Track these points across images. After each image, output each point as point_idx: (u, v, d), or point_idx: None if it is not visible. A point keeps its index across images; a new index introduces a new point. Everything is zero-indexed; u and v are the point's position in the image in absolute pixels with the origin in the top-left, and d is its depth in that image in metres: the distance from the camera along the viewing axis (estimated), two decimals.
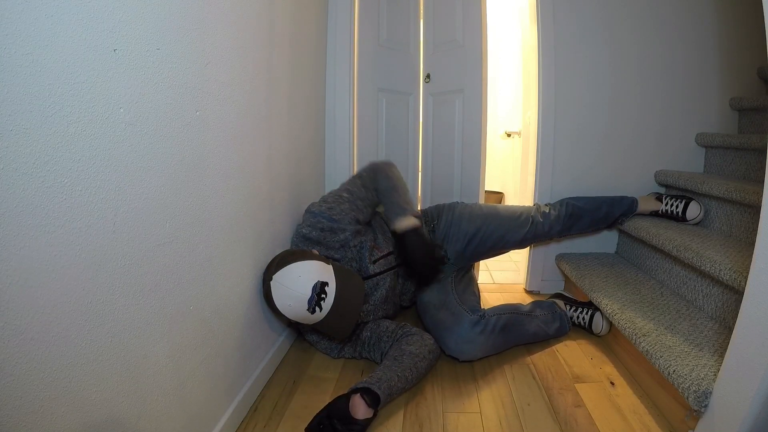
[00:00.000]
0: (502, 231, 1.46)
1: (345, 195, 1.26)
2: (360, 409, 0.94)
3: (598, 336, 1.42)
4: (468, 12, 1.83)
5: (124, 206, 0.61)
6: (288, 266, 1.05)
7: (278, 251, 1.23)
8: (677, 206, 1.48)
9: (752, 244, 0.75)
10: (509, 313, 1.30)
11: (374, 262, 1.27)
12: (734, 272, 0.99)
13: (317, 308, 1.02)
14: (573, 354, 1.32)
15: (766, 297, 0.72)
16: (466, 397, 1.11)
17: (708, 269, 1.08)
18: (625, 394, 1.11)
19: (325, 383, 1.16)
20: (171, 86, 0.70)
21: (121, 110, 0.59)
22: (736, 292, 1.07)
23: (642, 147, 1.72)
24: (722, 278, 1.03)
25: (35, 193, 0.47)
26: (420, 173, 2.19)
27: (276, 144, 1.18)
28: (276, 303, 1.05)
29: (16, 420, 0.47)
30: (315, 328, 1.12)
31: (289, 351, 1.32)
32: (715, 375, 0.86)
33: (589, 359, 1.28)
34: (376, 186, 1.28)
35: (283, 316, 1.08)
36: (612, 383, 1.16)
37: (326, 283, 1.04)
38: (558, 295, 1.58)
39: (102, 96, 0.56)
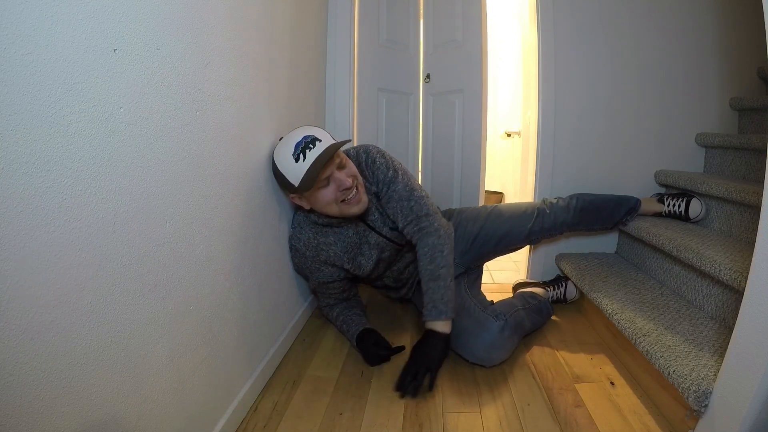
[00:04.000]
0: (506, 227, 1.44)
1: (423, 193, 1.24)
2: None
3: (572, 302, 1.65)
4: (468, 12, 1.83)
5: (124, 206, 0.61)
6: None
7: (278, 252, 1.23)
8: (679, 205, 1.49)
9: (752, 244, 0.75)
10: (514, 311, 1.31)
11: (390, 229, 1.27)
12: (734, 272, 0.99)
13: (302, 155, 1.04)
14: (573, 354, 1.32)
15: (766, 297, 0.72)
16: (466, 397, 1.11)
17: (708, 269, 1.08)
18: (625, 394, 1.11)
19: (325, 383, 1.16)
20: (171, 86, 0.70)
21: (121, 110, 0.59)
22: (736, 292, 1.07)
23: (642, 147, 1.72)
24: (722, 278, 1.03)
25: (35, 193, 0.47)
26: (420, 173, 2.19)
27: (276, 143, 1.18)
28: (274, 156, 1.11)
29: (16, 420, 0.47)
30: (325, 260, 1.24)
31: (289, 351, 1.32)
32: (715, 375, 0.86)
33: (589, 359, 1.28)
34: (438, 263, 1.16)
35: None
36: (612, 383, 1.16)
37: (320, 140, 1.07)
38: (519, 286, 1.69)
39: (102, 96, 0.56)
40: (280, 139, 1.14)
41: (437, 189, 2.08)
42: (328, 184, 1.09)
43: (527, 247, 1.81)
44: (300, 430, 0.98)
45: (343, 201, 1.11)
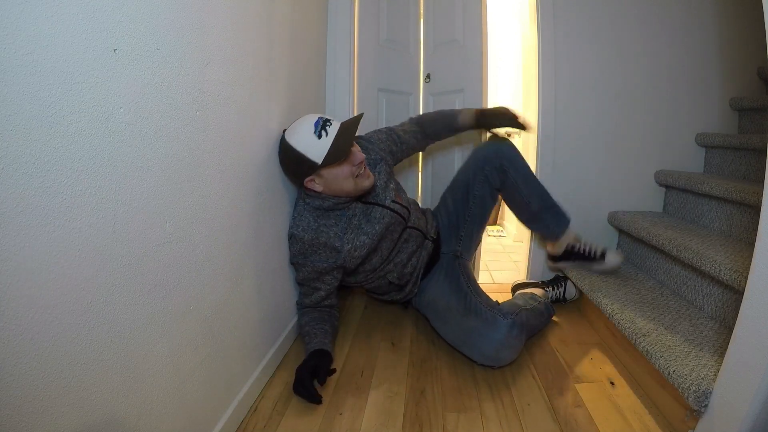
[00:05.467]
0: (461, 177, 1.53)
1: (383, 129, 1.44)
2: None
3: (571, 302, 1.65)
4: (468, 12, 1.83)
5: (124, 206, 0.61)
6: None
7: (279, 252, 1.23)
8: (596, 250, 1.51)
9: (752, 244, 0.75)
10: (519, 311, 1.30)
11: (392, 201, 1.33)
12: (734, 272, 0.99)
13: (323, 132, 1.12)
14: (573, 354, 1.32)
15: (766, 297, 0.72)
16: (466, 397, 1.11)
17: (708, 269, 1.09)
18: (625, 394, 1.11)
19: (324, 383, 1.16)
20: (171, 86, 0.70)
21: (121, 110, 0.59)
22: (736, 292, 1.07)
23: (642, 147, 1.72)
24: (722, 278, 1.03)
25: (35, 193, 0.47)
26: (420, 173, 2.19)
27: (276, 143, 1.18)
28: (288, 140, 1.14)
29: (16, 420, 0.47)
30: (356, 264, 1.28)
31: (289, 351, 1.32)
32: (715, 375, 0.87)
33: (589, 359, 1.28)
34: (425, 120, 1.50)
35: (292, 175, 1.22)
36: (612, 383, 1.16)
37: (332, 120, 1.16)
38: (517, 287, 1.70)
39: (102, 96, 0.56)
40: (284, 131, 1.18)
41: (437, 189, 2.08)
42: (345, 158, 1.15)
43: (527, 247, 1.81)
44: (300, 429, 0.98)
45: (357, 176, 1.18)
